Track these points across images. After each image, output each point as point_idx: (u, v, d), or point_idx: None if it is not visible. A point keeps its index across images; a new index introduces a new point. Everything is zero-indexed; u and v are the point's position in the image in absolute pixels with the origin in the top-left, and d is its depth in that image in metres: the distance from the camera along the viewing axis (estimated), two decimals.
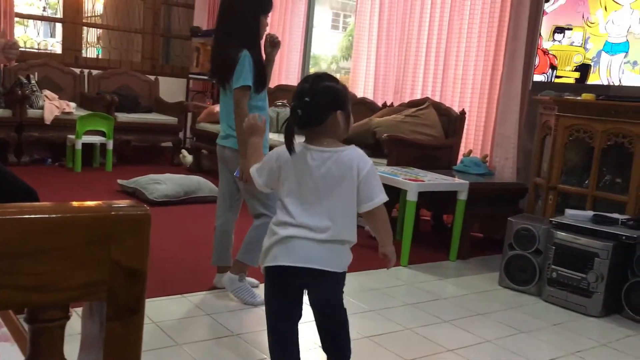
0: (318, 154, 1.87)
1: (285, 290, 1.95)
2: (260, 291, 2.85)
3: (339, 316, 2.02)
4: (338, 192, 1.86)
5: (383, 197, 1.89)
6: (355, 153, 1.90)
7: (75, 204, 0.62)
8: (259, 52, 2.71)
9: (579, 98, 3.46)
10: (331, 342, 2.08)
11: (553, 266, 3.13)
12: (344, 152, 1.88)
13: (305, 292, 2.01)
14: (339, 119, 1.87)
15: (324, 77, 1.90)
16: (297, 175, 1.87)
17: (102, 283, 0.62)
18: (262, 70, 2.69)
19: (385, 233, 1.95)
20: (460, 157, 4.44)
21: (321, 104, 1.85)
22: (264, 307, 2.69)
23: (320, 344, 2.20)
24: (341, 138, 1.92)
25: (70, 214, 0.61)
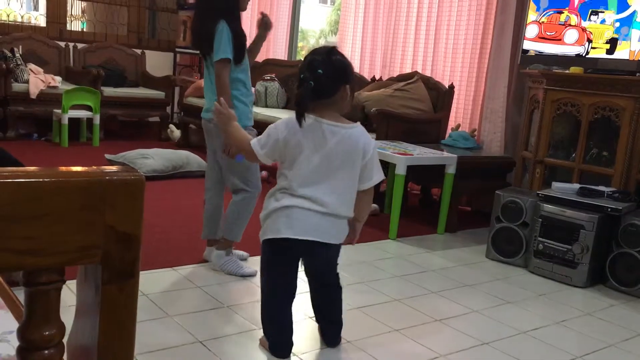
0: (332, 128, 1.90)
1: (287, 260, 1.99)
2: (247, 263, 2.87)
3: (335, 280, 2.12)
4: (345, 169, 1.93)
5: (381, 176, 2.02)
6: (362, 132, 1.97)
7: (68, 168, 0.62)
8: (237, 23, 2.68)
9: (566, 72, 3.47)
10: (326, 308, 2.14)
11: (539, 238, 3.17)
12: (352, 129, 1.94)
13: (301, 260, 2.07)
14: (346, 92, 1.92)
15: (335, 51, 1.95)
16: (310, 148, 1.89)
17: (96, 247, 0.62)
18: (241, 41, 2.67)
19: (368, 209, 2.07)
20: (448, 131, 4.46)
21: (334, 77, 1.90)
22: (253, 279, 2.72)
23: (311, 316, 2.24)
24: (343, 112, 1.97)
25: (64, 179, 0.61)
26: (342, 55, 1.96)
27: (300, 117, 1.87)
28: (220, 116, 2.08)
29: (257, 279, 2.73)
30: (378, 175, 2.00)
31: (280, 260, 2.00)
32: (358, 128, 1.97)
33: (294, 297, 2.06)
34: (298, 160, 1.90)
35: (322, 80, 1.87)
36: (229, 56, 2.60)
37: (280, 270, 2.01)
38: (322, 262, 2.06)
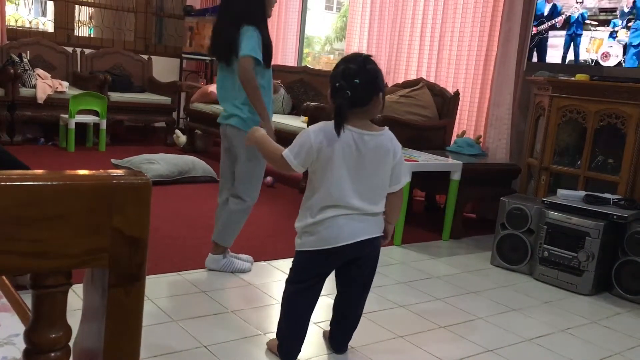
0: (365, 137, 1.92)
1: (327, 270, 2.03)
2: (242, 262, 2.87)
3: (372, 275, 2.13)
4: (378, 174, 1.96)
5: (407, 178, 2.09)
6: (390, 136, 1.99)
7: (76, 172, 0.63)
8: (265, 30, 2.68)
9: (572, 79, 3.47)
10: (351, 311, 2.14)
11: (545, 245, 3.16)
12: (382, 135, 1.96)
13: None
14: (379, 101, 1.94)
15: (369, 59, 1.94)
16: (345, 157, 1.90)
17: (103, 250, 0.62)
18: (268, 47, 2.67)
19: (399, 211, 2.13)
20: (453, 137, 4.46)
21: (370, 86, 1.90)
22: (258, 284, 2.73)
23: (317, 322, 2.23)
24: (373, 117, 1.99)
25: (72, 182, 0.61)
26: (376, 64, 1.96)
27: (339, 128, 1.88)
28: (249, 136, 2.11)
29: (262, 284, 2.74)
30: (405, 177, 2.06)
31: (319, 270, 2.02)
32: (387, 133, 1.99)
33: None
34: (332, 170, 1.90)
35: (359, 89, 1.87)
36: (258, 57, 2.58)
37: (315, 280, 2.03)
38: (373, 254, 2.06)
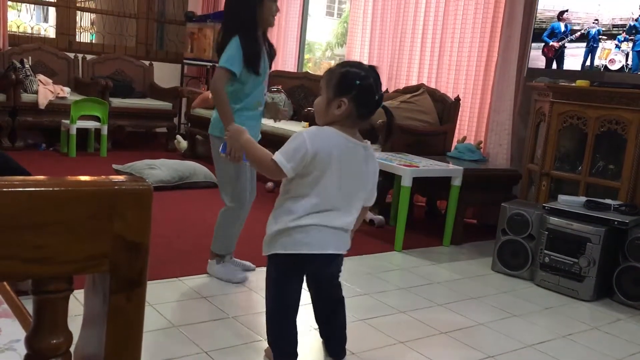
0: (358, 148, 1.93)
1: (300, 274, 2.02)
2: (252, 273, 2.87)
3: (339, 289, 2.14)
4: (365, 186, 1.96)
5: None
6: (373, 151, 2.01)
7: (78, 178, 0.63)
8: (251, 38, 2.64)
9: (573, 84, 3.48)
10: (331, 321, 2.14)
11: (545, 251, 3.16)
12: (370, 148, 1.98)
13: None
14: None
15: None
16: (339, 166, 1.88)
17: (105, 256, 0.63)
18: (252, 57, 2.65)
19: (360, 222, 2.10)
20: (454, 143, 4.46)
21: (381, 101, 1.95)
22: (259, 290, 2.72)
23: (315, 327, 2.23)
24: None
25: (73, 188, 0.61)
26: None
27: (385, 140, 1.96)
28: (230, 135, 2.05)
29: (262, 290, 2.73)
30: (375, 192, 2.06)
31: (293, 275, 2.00)
32: (370, 145, 2.00)
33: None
34: (324, 178, 1.87)
35: (379, 104, 1.93)
36: (229, 67, 2.60)
37: (293, 284, 2.02)
38: (334, 270, 2.07)
